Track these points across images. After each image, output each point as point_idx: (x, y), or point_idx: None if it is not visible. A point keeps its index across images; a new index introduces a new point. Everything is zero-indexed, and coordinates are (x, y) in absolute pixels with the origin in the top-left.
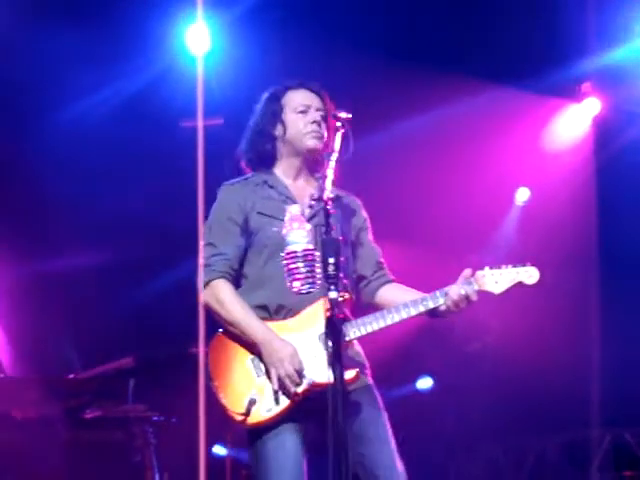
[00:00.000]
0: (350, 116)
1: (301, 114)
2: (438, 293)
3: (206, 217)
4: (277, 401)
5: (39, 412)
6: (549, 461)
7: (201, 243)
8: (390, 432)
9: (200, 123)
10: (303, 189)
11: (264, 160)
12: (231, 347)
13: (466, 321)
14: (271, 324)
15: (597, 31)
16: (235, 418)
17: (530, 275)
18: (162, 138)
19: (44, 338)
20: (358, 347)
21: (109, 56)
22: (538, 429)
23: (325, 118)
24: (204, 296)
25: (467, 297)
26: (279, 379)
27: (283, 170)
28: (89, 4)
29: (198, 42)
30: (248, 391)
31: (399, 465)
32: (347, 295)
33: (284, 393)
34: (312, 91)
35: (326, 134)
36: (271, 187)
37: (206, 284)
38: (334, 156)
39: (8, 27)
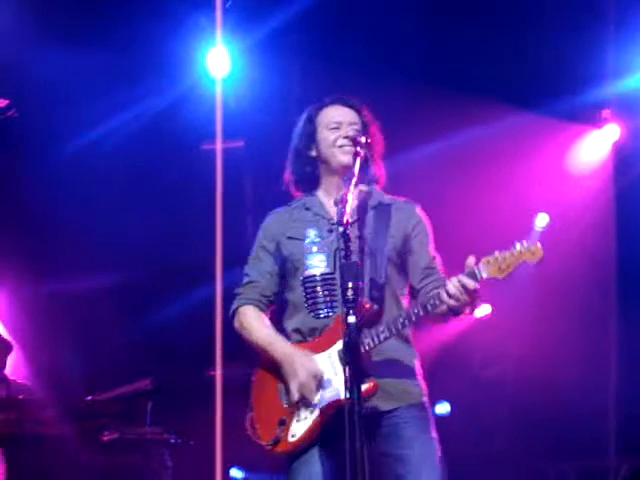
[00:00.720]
0: (369, 140)
1: (333, 130)
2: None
3: (224, 241)
4: (301, 425)
5: (57, 432)
6: None
7: (218, 265)
8: (433, 453)
9: (219, 146)
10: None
11: (307, 182)
12: (267, 378)
13: (485, 346)
14: (303, 346)
15: (617, 57)
16: (264, 447)
17: (532, 253)
18: (183, 161)
19: (61, 359)
20: (402, 357)
21: (129, 78)
22: (557, 455)
23: (362, 131)
24: (234, 323)
25: (464, 287)
26: (297, 389)
27: (325, 189)
28: (109, 27)
29: (218, 65)
30: (276, 419)
31: None
32: (367, 305)
33: (304, 404)
34: (346, 105)
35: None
36: (307, 209)
37: (234, 312)
38: (353, 180)
39: (26, 48)
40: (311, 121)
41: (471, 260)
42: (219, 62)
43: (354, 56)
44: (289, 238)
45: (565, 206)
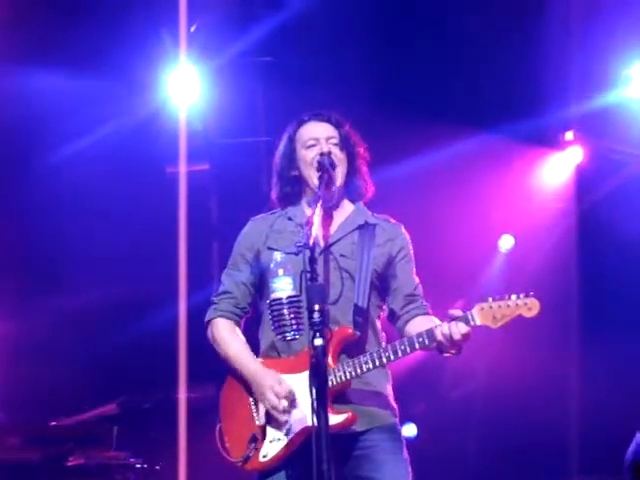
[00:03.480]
0: (333, 161)
1: (310, 148)
2: (432, 330)
3: (189, 260)
4: (273, 446)
5: (20, 458)
6: None
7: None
8: (404, 475)
9: (183, 168)
10: (333, 217)
11: (289, 199)
12: (238, 389)
13: (452, 366)
14: (275, 361)
15: (579, 79)
16: (234, 463)
17: (529, 308)
18: (147, 183)
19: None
20: (378, 384)
21: (95, 100)
22: (525, 476)
23: (341, 145)
24: (207, 333)
25: (451, 336)
26: (264, 413)
27: (308, 201)
28: (74, 49)
29: (183, 88)
30: (247, 435)
31: None
32: (350, 330)
33: (274, 426)
34: (323, 120)
35: (342, 159)
36: (289, 219)
37: (207, 322)
38: (319, 203)
39: None
40: (291, 140)
41: (456, 312)
42: (184, 85)
43: (318, 78)
44: (269, 249)
45: (529, 228)
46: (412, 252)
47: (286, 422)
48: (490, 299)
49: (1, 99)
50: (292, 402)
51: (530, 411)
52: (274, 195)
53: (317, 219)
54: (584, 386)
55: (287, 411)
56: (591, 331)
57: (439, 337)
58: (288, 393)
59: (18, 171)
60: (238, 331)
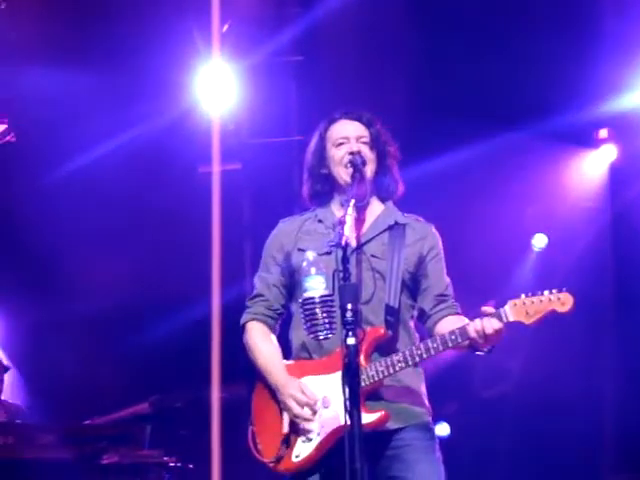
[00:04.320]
0: (364, 160)
1: (340, 147)
2: (465, 327)
3: (223, 260)
4: (305, 447)
5: (55, 457)
6: None
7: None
8: (436, 474)
9: (216, 168)
10: (364, 217)
11: (320, 198)
12: (266, 394)
13: (485, 366)
14: (307, 363)
15: (613, 77)
16: (267, 463)
17: (563, 302)
18: (179, 184)
19: (59, 383)
20: (411, 382)
21: (126, 101)
22: (558, 476)
23: (371, 145)
24: (243, 337)
25: (484, 331)
26: (288, 423)
27: (339, 203)
28: (103, 51)
29: (215, 88)
30: (280, 436)
31: None
32: (382, 330)
33: (299, 433)
34: (353, 119)
35: (372, 158)
36: (320, 221)
37: (242, 327)
38: (352, 202)
39: (18, 74)
40: (322, 138)
41: (488, 308)
42: (216, 85)
43: (351, 77)
44: (300, 250)
45: (562, 227)
46: (442, 251)
47: (316, 423)
48: (523, 295)
49: (33, 99)
50: (324, 401)
51: (563, 411)
52: (305, 193)
53: (349, 218)
54: (618, 386)
55: (310, 419)
56: (626, 331)
57: (472, 334)
58: (311, 401)
59: (49, 171)
60: (271, 335)
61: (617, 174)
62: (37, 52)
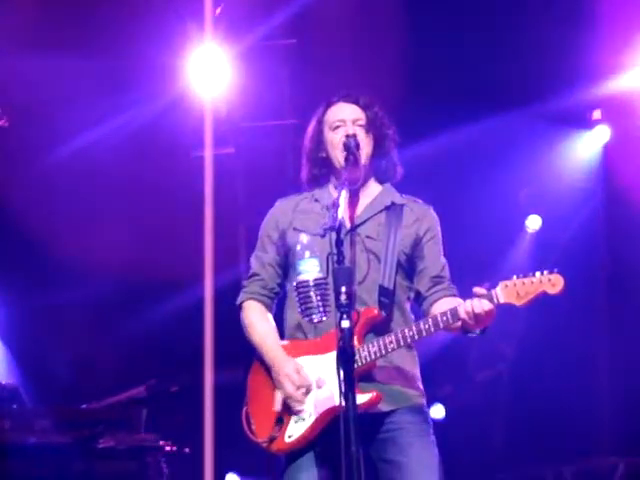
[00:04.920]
0: (358, 143)
1: (336, 130)
2: (456, 308)
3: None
4: (298, 427)
5: (52, 441)
6: None
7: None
8: (430, 457)
9: (208, 152)
10: (360, 199)
11: (318, 181)
12: (263, 373)
13: (479, 348)
14: (301, 343)
15: (607, 58)
16: (260, 444)
17: (553, 284)
18: (172, 168)
19: (55, 368)
20: (404, 364)
21: (118, 86)
22: (553, 456)
23: (366, 127)
24: (240, 316)
25: (474, 312)
26: (281, 401)
27: (334, 184)
28: (96, 35)
29: (208, 72)
30: (274, 417)
31: None
32: (376, 311)
33: (292, 413)
34: (349, 102)
35: (368, 141)
36: (316, 200)
37: (239, 306)
38: (345, 184)
39: (11, 58)
40: (319, 122)
41: (480, 291)
42: (209, 68)
43: (345, 60)
44: (295, 229)
45: (556, 208)
46: (440, 233)
47: (309, 404)
48: (514, 277)
49: (24, 83)
50: (317, 382)
51: (558, 392)
52: (303, 177)
53: (343, 201)
54: (613, 366)
55: (301, 401)
56: (620, 311)
57: (462, 315)
58: (305, 382)
59: (40, 155)
60: (268, 315)
61: (610, 155)
62: (29, 36)
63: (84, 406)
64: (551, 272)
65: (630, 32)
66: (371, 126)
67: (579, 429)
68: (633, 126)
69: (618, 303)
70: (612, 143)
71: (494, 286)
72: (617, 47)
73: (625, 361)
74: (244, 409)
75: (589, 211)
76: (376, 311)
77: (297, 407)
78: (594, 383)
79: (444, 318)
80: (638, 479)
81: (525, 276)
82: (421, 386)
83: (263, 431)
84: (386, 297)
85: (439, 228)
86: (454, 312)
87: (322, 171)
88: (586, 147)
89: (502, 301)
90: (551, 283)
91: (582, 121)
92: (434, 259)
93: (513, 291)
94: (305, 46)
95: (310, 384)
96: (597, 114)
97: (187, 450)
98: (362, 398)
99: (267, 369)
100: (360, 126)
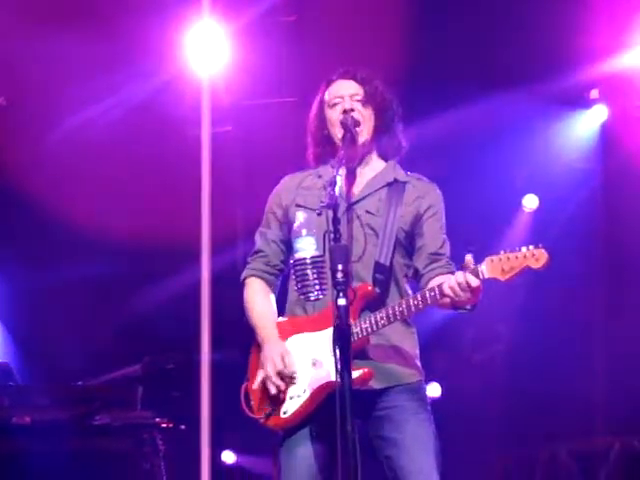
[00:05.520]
0: (355, 119)
1: (335, 107)
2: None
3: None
4: (293, 403)
5: (48, 418)
6: (560, 468)
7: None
8: (425, 434)
9: (206, 130)
10: (360, 175)
11: (323, 159)
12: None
13: (476, 328)
14: (298, 319)
15: (604, 37)
16: (257, 419)
17: (537, 259)
18: (172, 147)
19: (51, 346)
20: (401, 342)
21: (115, 64)
22: (547, 436)
23: (365, 101)
24: (243, 293)
25: (467, 284)
26: (259, 381)
27: (331, 162)
28: (93, 12)
29: (206, 49)
30: (270, 393)
31: (426, 469)
32: (369, 287)
33: (294, 383)
34: (347, 78)
35: (368, 115)
36: (319, 176)
37: (242, 282)
38: (342, 161)
39: (7, 37)
40: (321, 101)
41: (469, 258)
42: (207, 46)
43: (344, 37)
44: (297, 206)
45: (553, 187)
46: (442, 211)
47: (302, 381)
48: (502, 252)
49: (19, 63)
50: (313, 359)
51: (554, 372)
52: (309, 157)
53: (340, 179)
54: (609, 346)
55: (279, 386)
56: (617, 292)
57: (446, 290)
58: (285, 370)
59: (36, 135)
60: (269, 293)
61: (608, 134)
62: (26, 16)
63: (80, 383)
64: (536, 247)
65: (628, 12)
66: (370, 100)
67: (575, 409)
68: (631, 105)
69: (615, 284)
70: (610, 122)
71: (480, 259)
72: (615, 27)
73: (621, 341)
74: (244, 385)
75: (587, 191)
76: (370, 287)
77: (272, 390)
78: (590, 363)
79: (432, 294)
80: (633, 459)
81: (512, 251)
82: (418, 363)
83: (260, 407)
84: (381, 274)
85: (442, 205)
86: (440, 288)
87: (326, 149)
88: (584, 126)
89: (487, 276)
90: (535, 258)
91: (580, 100)
92: (433, 236)
93: (498, 266)
94: (304, 23)
95: (293, 373)
96: (595, 93)
97: (183, 427)
98: (354, 374)
99: None
100: (358, 101)
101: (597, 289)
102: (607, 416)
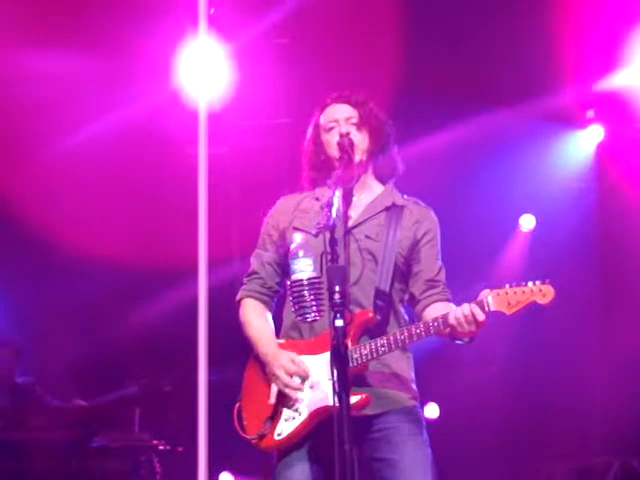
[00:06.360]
0: (352, 141)
1: (330, 131)
2: (447, 315)
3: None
4: (288, 425)
5: (46, 438)
6: None
7: (202, 269)
8: (423, 456)
9: (202, 151)
10: (358, 198)
11: (318, 182)
12: (258, 370)
13: (472, 349)
14: (295, 342)
15: (600, 57)
16: (250, 440)
17: (544, 294)
18: (168, 167)
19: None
20: (399, 368)
21: (112, 83)
22: (546, 455)
23: (359, 124)
24: (239, 314)
25: (473, 317)
26: (275, 394)
27: (328, 183)
28: (88, 32)
29: (202, 70)
30: (265, 415)
31: None
32: (370, 314)
33: (289, 405)
34: (341, 101)
35: (363, 138)
36: (317, 199)
37: (238, 303)
38: (339, 184)
39: (6, 55)
40: (316, 126)
41: (485, 292)
42: (203, 67)
43: (339, 60)
44: (294, 229)
45: (550, 207)
46: (438, 236)
47: (301, 401)
48: (507, 285)
49: (19, 81)
50: (310, 382)
51: (552, 391)
52: (304, 181)
53: (337, 200)
54: (606, 368)
55: (299, 389)
56: (614, 310)
57: (451, 321)
58: (301, 371)
59: (35, 153)
60: (265, 312)
61: (604, 154)
62: (25, 32)
63: (78, 404)
64: (543, 282)
65: (623, 31)
66: (365, 123)
67: (573, 428)
68: (627, 126)
69: (612, 302)
70: (606, 143)
71: (491, 288)
72: (611, 46)
73: (619, 361)
74: (237, 405)
75: (583, 210)
76: (370, 314)
77: (293, 395)
78: (588, 382)
79: (435, 324)
80: (632, 479)
81: (518, 285)
82: (415, 387)
83: (253, 428)
84: (382, 300)
85: (438, 231)
86: (445, 318)
87: (322, 173)
88: (580, 147)
89: (492, 309)
90: (542, 293)
91: (576, 120)
92: (430, 262)
93: (504, 300)
94: (299, 45)
95: (307, 371)
96: (590, 113)
97: (180, 449)
98: (352, 399)
99: (262, 366)
100: (353, 124)
101: (594, 307)
102: (606, 435)
